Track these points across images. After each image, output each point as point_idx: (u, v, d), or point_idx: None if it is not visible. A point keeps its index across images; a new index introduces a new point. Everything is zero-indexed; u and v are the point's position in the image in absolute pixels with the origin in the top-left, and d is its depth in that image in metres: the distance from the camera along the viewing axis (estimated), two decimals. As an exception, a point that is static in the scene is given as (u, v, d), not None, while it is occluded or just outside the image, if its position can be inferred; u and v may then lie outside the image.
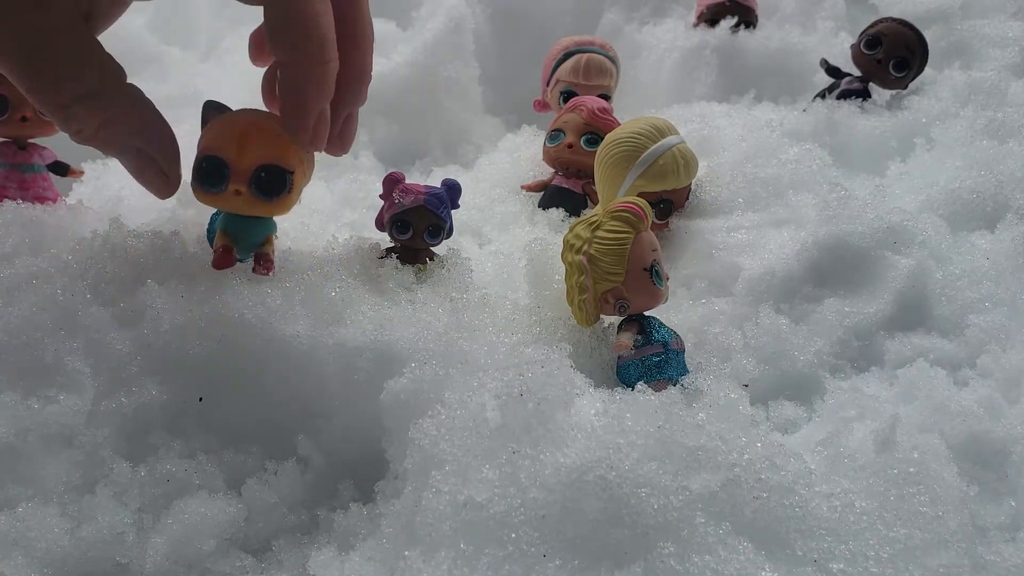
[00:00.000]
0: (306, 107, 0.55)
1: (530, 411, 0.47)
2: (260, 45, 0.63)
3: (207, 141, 0.56)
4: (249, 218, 0.59)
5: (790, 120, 0.86)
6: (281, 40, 0.55)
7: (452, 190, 0.64)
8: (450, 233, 0.64)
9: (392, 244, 0.64)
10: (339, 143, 0.60)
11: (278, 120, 0.57)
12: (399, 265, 0.62)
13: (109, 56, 0.54)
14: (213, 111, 0.58)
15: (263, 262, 0.59)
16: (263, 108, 0.60)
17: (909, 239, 0.67)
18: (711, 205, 0.74)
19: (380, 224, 0.64)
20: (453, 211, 0.64)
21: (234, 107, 0.59)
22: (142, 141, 0.56)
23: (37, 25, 0.51)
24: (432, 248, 0.64)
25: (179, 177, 0.58)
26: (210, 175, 0.55)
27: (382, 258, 0.63)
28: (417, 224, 0.62)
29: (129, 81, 0.55)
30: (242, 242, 0.59)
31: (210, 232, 0.62)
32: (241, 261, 0.59)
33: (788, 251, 0.67)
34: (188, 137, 0.59)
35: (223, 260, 0.58)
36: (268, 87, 0.62)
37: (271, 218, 0.60)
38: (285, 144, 0.56)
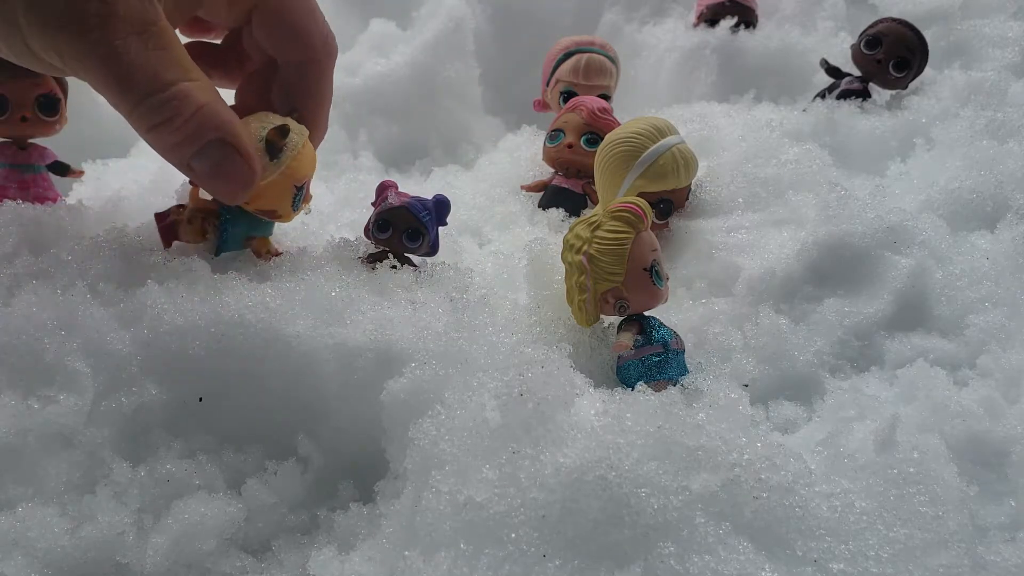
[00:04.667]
0: (328, 100, 0.63)
1: (530, 411, 0.47)
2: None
3: None
4: (245, 218, 0.60)
5: (790, 120, 0.86)
6: (307, 102, 0.62)
7: (440, 205, 0.64)
8: (434, 249, 0.64)
9: (373, 251, 0.64)
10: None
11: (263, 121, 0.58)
12: (397, 265, 0.62)
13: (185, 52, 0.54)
14: None
15: (264, 253, 0.61)
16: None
17: (909, 239, 0.67)
18: (711, 205, 0.74)
19: (368, 231, 0.64)
20: (441, 228, 0.64)
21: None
22: (228, 130, 0.54)
23: (107, 21, 0.50)
24: (410, 257, 0.64)
25: (258, 165, 0.56)
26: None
27: (361, 259, 0.63)
28: (397, 224, 0.62)
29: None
30: (229, 237, 0.61)
31: (220, 246, 0.62)
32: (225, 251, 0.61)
33: (788, 251, 0.67)
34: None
35: (165, 233, 0.60)
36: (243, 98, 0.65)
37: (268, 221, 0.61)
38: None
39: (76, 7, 0.50)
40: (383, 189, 0.64)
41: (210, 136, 0.54)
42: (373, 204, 0.64)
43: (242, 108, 0.62)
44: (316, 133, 0.64)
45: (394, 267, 0.61)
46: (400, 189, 0.64)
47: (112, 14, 0.51)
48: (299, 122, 0.60)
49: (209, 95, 0.54)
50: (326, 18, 0.63)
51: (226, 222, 0.60)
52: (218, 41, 0.67)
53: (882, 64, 0.90)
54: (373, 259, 0.63)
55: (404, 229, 0.63)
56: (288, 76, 0.62)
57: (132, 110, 0.53)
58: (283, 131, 0.58)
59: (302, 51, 0.62)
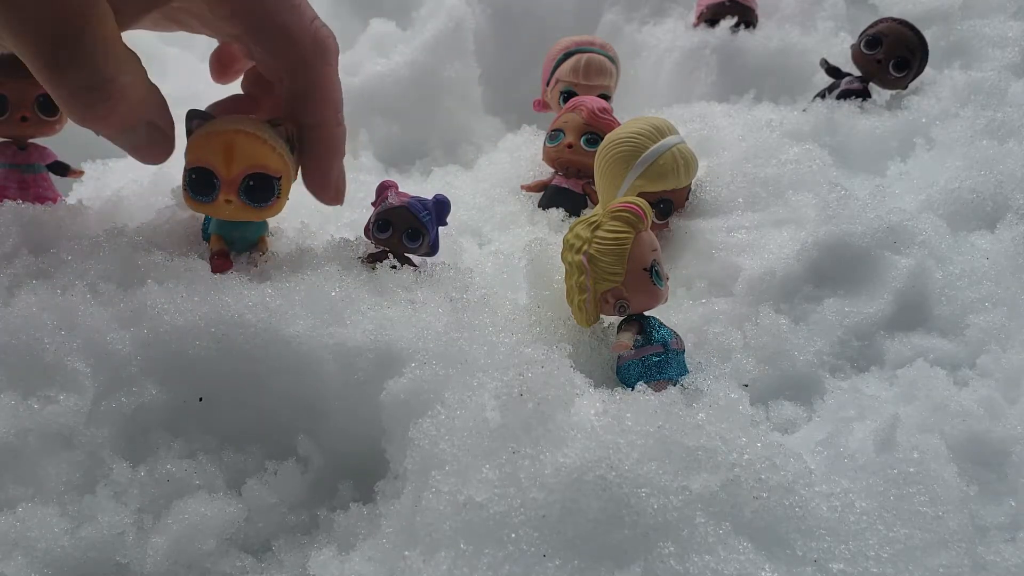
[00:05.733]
0: (332, 165, 0.63)
1: (530, 411, 0.47)
2: (222, 65, 0.68)
3: (195, 152, 0.58)
4: (242, 222, 0.60)
5: (790, 120, 0.86)
6: (311, 106, 0.61)
7: (440, 205, 0.64)
8: (434, 249, 0.64)
9: (374, 251, 0.64)
10: (335, 194, 0.65)
11: (261, 126, 0.57)
12: (397, 265, 0.62)
13: (122, 43, 0.55)
14: (197, 120, 0.59)
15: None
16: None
17: (909, 239, 0.67)
18: (711, 205, 0.74)
19: (368, 231, 0.64)
20: (441, 228, 0.64)
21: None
22: (156, 115, 0.58)
23: (57, 9, 0.51)
24: (410, 257, 0.64)
25: (171, 138, 0.59)
26: (200, 186, 0.57)
27: (361, 259, 0.63)
28: (397, 224, 0.62)
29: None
30: (237, 245, 0.61)
31: (205, 230, 0.63)
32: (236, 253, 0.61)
33: (788, 251, 0.67)
34: (185, 139, 0.60)
35: (220, 265, 0.59)
36: (217, 66, 0.68)
37: (263, 220, 0.61)
38: (270, 150, 0.57)
39: None
40: (383, 189, 0.64)
41: (132, 121, 0.56)
42: (373, 204, 0.64)
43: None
44: (329, 134, 0.62)
45: (394, 267, 0.61)
46: (400, 189, 0.64)
47: (61, 5, 0.51)
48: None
49: (131, 90, 0.55)
50: (324, 18, 0.62)
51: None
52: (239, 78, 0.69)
53: (882, 64, 0.90)
54: (373, 259, 0.63)
55: (404, 229, 0.63)
56: (290, 83, 0.61)
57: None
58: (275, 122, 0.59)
59: (291, 52, 0.60)
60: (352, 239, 0.65)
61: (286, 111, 0.62)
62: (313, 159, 0.62)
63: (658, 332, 0.57)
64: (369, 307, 0.57)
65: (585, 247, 0.57)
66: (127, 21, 0.57)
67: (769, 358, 0.61)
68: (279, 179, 0.58)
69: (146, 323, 0.54)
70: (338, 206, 0.67)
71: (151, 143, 0.59)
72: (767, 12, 1.07)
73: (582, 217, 0.62)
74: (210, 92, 0.69)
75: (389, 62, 1.01)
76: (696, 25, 1.06)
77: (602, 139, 0.72)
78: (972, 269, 0.66)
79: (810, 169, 0.75)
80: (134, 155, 0.60)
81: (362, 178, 0.86)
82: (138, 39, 1.06)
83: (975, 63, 0.95)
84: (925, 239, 0.67)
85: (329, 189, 0.64)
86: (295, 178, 0.60)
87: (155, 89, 0.58)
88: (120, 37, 0.55)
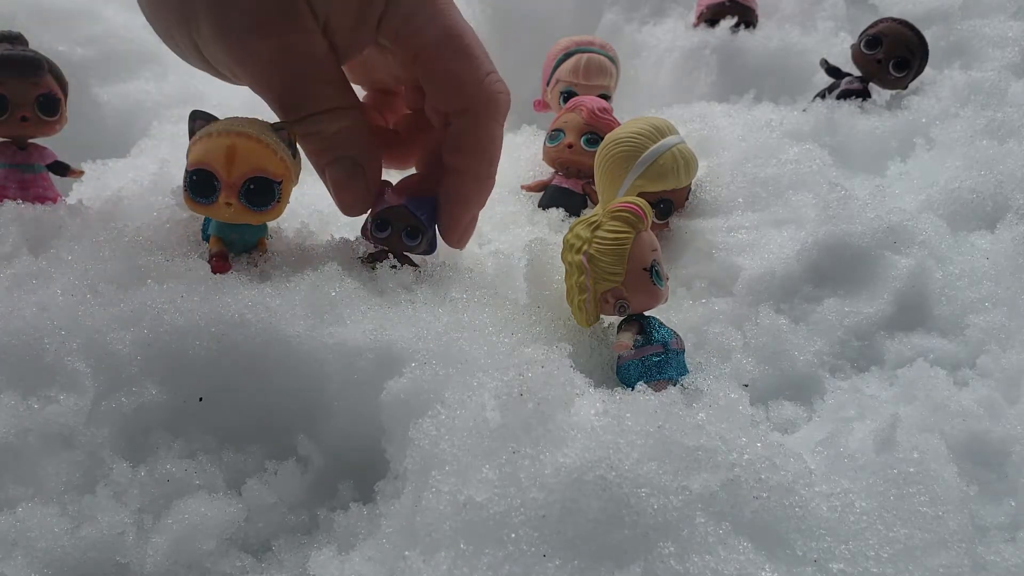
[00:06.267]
0: (467, 212, 0.65)
1: (530, 411, 0.47)
2: (378, 112, 0.72)
3: (196, 154, 0.57)
4: (241, 224, 0.60)
5: (790, 120, 0.86)
6: (465, 154, 0.63)
7: (437, 202, 0.64)
8: (432, 247, 0.64)
9: (373, 250, 0.64)
10: (459, 240, 0.67)
11: (264, 129, 0.57)
12: (397, 265, 0.62)
13: (345, 80, 0.62)
14: (200, 120, 0.59)
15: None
16: (256, 113, 0.61)
17: (909, 239, 0.67)
18: (711, 205, 0.74)
19: (366, 231, 0.65)
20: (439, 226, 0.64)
21: (233, 108, 0.59)
22: (360, 151, 0.62)
23: (289, 44, 0.58)
24: (410, 256, 0.64)
25: (373, 190, 0.63)
26: (201, 187, 0.57)
27: (360, 259, 0.63)
28: (396, 223, 0.62)
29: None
30: (236, 246, 0.61)
31: (204, 231, 0.63)
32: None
33: (788, 251, 0.67)
34: (186, 140, 0.59)
35: (219, 266, 0.59)
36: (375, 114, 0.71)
37: (263, 223, 0.61)
38: (272, 154, 0.57)
39: (259, 27, 0.57)
40: (380, 189, 0.64)
41: (340, 153, 0.61)
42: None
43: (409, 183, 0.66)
44: (477, 185, 0.64)
45: (394, 267, 0.61)
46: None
47: (285, 48, 0.58)
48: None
49: (351, 121, 0.61)
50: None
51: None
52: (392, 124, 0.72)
53: (882, 64, 0.90)
54: (373, 259, 0.63)
55: (403, 228, 0.63)
56: (453, 128, 0.63)
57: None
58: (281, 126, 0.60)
59: (460, 100, 0.62)
60: (351, 239, 0.65)
61: (444, 152, 0.64)
62: (451, 203, 0.64)
63: (658, 332, 0.57)
64: (369, 307, 0.57)
65: (585, 247, 0.57)
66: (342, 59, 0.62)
67: (769, 358, 0.61)
68: (280, 183, 0.58)
69: (146, 323, 0.54)
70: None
71: (347, 181, 0.62)
72: (767, 12, 1.07)
73: (582, 217, 0.62)
74: (210, 92, 0.69)
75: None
76: (696, 25, 1.06)
77: (602, 139, 0.72)
78: (972, 269, 0.66)
79: (810, 169, 0.75)
80: (333, 194, 0.63)
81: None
82: (140, 39, 1.06)
83: (975, 63, 0.95)
84: (925, 239, 0.67)
85: (456, 233, 0.66)
86: (296, 182, 0.60)
87: (365, 130, 0.63)
88: (342, 82, 0.61)
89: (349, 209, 0.64)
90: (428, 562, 0.44)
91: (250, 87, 0.60)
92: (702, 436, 0.46)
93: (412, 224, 0.63)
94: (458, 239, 0.66)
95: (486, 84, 0.62)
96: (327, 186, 0.63)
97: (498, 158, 0.65)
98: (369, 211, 0.64)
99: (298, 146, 0.61)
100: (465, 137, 0.63)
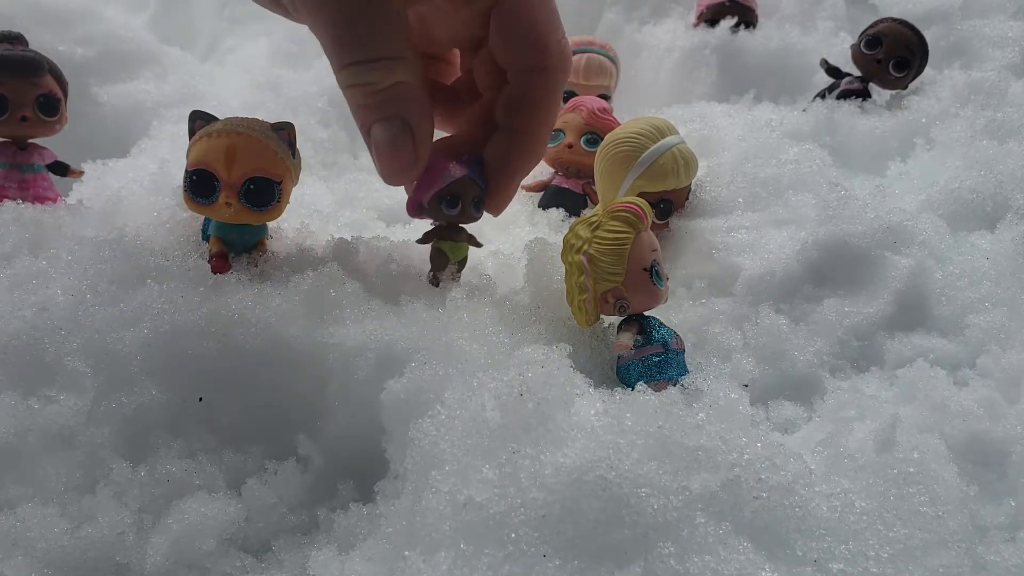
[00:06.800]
0: (518, 176, 0.62)
1: (530, 411, 0.47)
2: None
3: (196, 154, 0.57)
4: (241, 224, 0.60)
5: (790, 120, 0.86)
6: (528, 113, 0.60)
7: (479, 163, 0.61)
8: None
9: (429, 229, 0.62)
10: (499, 206, 0.64)
11: (264, 129, 0.57)
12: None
13: (408, 28, 0.56)
14: (200, 120, 0.59)
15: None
16: (257, 112, 0.61)
17: (909, 239, 0.67)
18: (711, 205, 0.74)
19: (416, 208, 0.61)
20: None
21: (233, 108, 0.59)
22: (414, 113, 0.56)
23: None
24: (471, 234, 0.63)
25: (424, 160, 0.58)
26: (200, 187, 0.57)
27: (422, 242, 0.62)
28: (465, 196, 0.60)
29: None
30: (235, 247, 0.61)
31: (204, 231, 0.63)
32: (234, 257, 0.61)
33: (788, 251, 0.67)
34: (186, 140, 0.60)
35: (219, 266, 0.59)
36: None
37: (263, 224, 0.61)
38: (272, 154, 0.57)
39: None
40: (436, 161, 0.60)
41: (392, 112, 0.55)
42: (418, 186, 0.61)
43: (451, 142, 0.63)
44: (533, 148, 0.62)
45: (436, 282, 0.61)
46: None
47: None
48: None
49: (409, 75, 0.56)
50: None
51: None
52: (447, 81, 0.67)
53: (882, 64, 0.90)
54: (428, 238, 0.62)
55: (471, 200, 0.60)
56: (517, 86, 0.60)
57: (340, 68, 0.55)
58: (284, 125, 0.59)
59: (537, 56, 0.59)
60: (350, 239, 0.65)
61: (497, 113, 0.61)
62: (504, 166, 0.61)
63: (658, 332, 0.57)
64: (369, 307, 0.57)
65: (585, 247, 0.57)
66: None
67: (769, 358, 0.61)
68: (280, 183, 0.58)
69: (146, 323, 0.54)
70: (345, 209, 0.66)
71: (395, 145, 0.56)
72: (767, 12, 1.07)
73: (582, 217, 0.62)
74: (209, 92, 0.69)
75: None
76: (696, 25, 1.06)
77: (602, 139, 0.72)
78: (972, 269, 0.66)
79: (810, 169, 0.75)
80: (376, 158, 0.57)
81: (363, 178, 0.86)
82: (140, 39, 1.06)
83: (975, 63, 0.95)
84: (925, 239, 0.67)
85: (504, 199, 0.63)
86: (296, 182, 0.60)
87: (423, 91, 0.57)
88: (405, 29, 0.56)
89: (391, 177, 0.58)
90: (428, 562, 0.44)
91: (308, 22, 0.56)
92: (702, 436, 0.46)
93: (478, 195, 0.60)
94: (497, 206, 0.63)
95: (564, 43, 0.60)
96: (369, 149, 0.58)
97: (553, 124, 0.63)
98: (416, 182, 0.61)
99: (297, 146, 0.60)
100: (533, 94, 0.60)
